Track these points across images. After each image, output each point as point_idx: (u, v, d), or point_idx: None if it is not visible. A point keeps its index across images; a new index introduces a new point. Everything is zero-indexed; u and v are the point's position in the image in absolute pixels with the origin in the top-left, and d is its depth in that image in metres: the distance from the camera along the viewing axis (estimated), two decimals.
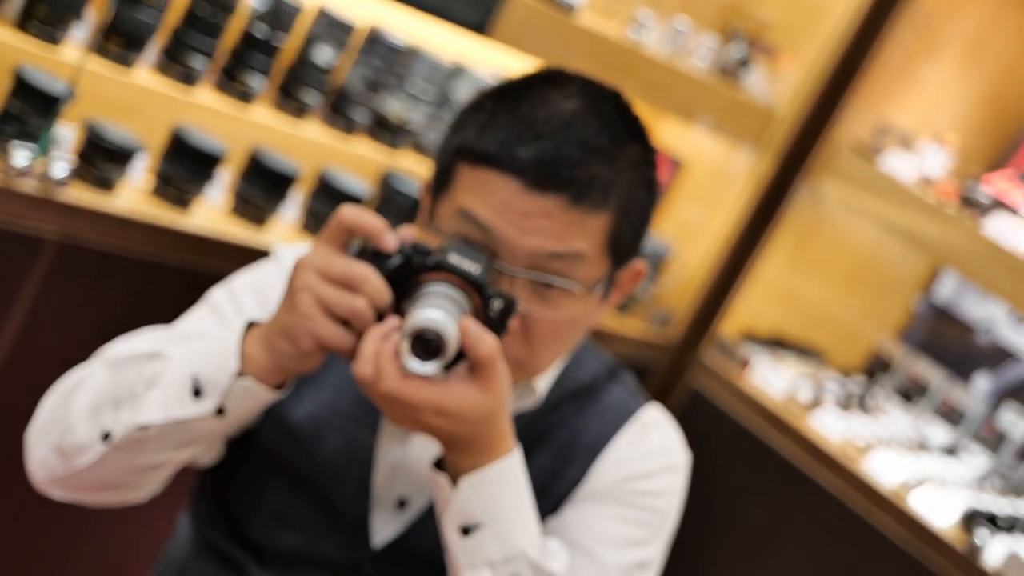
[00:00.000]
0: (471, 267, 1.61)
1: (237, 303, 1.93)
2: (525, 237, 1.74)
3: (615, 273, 1.85)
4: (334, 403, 1.92)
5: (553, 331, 1.80)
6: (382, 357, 1.57)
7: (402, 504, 1.93)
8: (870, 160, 3.90)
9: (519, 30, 3.15)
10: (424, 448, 1.90)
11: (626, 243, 1.82)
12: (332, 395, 1.92)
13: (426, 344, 1.56)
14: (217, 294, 1.96)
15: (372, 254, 1.61)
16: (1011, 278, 3.60)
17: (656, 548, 1.93)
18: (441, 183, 1.82)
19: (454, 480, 1.68)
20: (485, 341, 1.57)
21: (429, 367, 1.56)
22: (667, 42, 3.58)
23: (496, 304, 1.62)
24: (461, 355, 1.60)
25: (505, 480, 1.68)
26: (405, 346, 1.55)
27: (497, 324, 1.62)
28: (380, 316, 1.60)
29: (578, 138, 1.74)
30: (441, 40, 3.34)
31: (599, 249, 1.78)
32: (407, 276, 1.61)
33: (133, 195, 2.83)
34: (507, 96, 1.81)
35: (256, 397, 1.69)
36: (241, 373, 1.67)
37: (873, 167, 3.88)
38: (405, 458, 1.92)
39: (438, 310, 1.55)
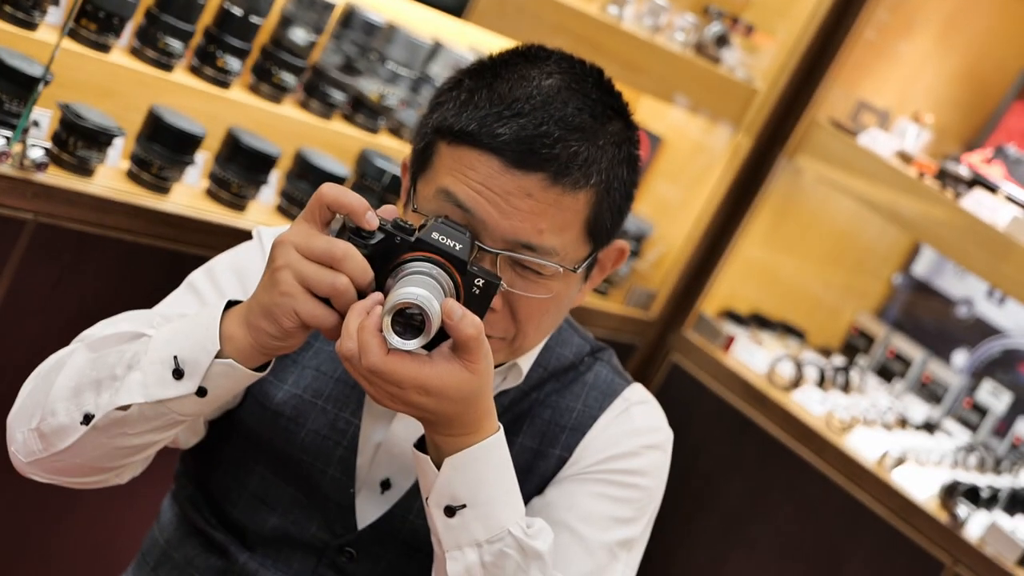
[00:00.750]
0: (453, 245, 1.61)
1: (217, 284, 1.93)
2: (505, 219, 1.73)
3: (597, 252, 1.85)
4: (316, 385, 1.92)
5: (537, 308, 1.80)
6: (365, 332, 1.56)
7: (386, 486, 1.93)
8: (850, 136, 3.90)
9: (497, 10, 3.13)
10: (408, 429, 1.90)
11: (607, 222, 1.81)
12: (314, 377, 1.92)
13: (409, 320, 1.55)
14: (197, 276, 1.96)
15: (353, 232, 1.60)
16: (987, 254, 3.61)
17: (641, 526, 1.94)
18: (421, 162, 1.82)
19: (437, 461, 1.68)
20: (468, 320, 1.57)
21: (412, 343, 1.55)
22: (646, 20, 3.57)
23: (479, 283, 1.62)
24: (444, 334, 1.59)
25: (489, 460, 1.68)
26: (387, 322, 1.54)
27: (479, 303, 1.62)
28: (362, 295, 1.60)
29: (558, 115, 1.74)
30: (419, 16, 3.32)
31: (578, 231, 1.78)
32: (389, 254, 1.60)
33: (112, 178, 2.81)
34: (486, 73, 1.80)
35: (237, 378, 1.68)
36: (222, 354, 1.66)
37: (852, 143, 3.88)
38: (388, 439, 1.92)
39: (420, 287, 1.55)
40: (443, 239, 1.61)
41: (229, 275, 1.94)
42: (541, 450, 1.92)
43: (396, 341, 1.55)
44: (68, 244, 2.68)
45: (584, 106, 1.76)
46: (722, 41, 3.76)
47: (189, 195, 2.94)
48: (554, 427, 1.93)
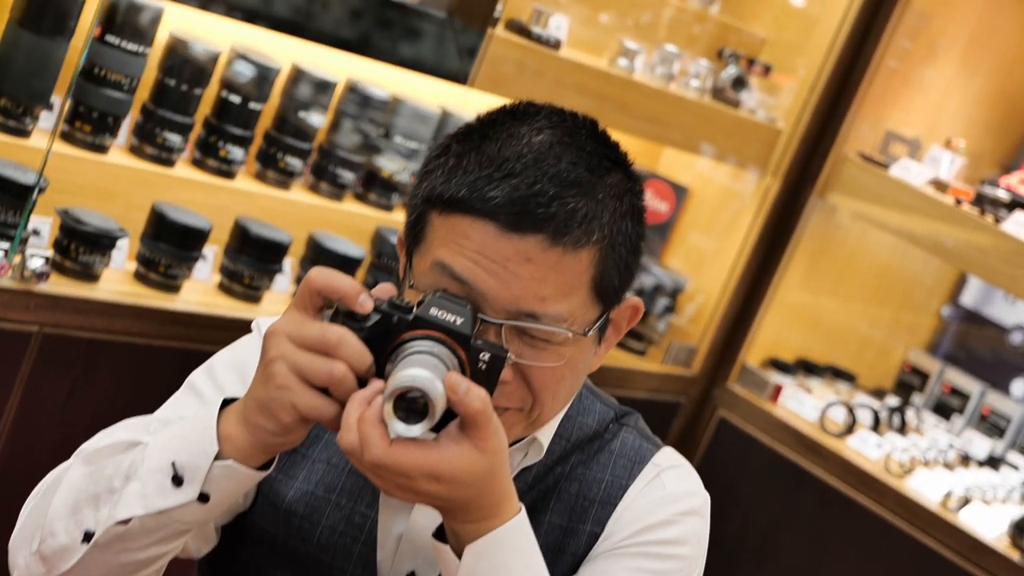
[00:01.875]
0: (454, 319, 1.51)
1: (217, 382, 1.84)
2: (505, 289, 1.63)
3: (608, 312, 1.74)
4: (328, 479, 1.83)
5: (551, 377, 1.70)
6: (366, 423, 1.46)
7: None
8: (881, 168, 3.79)
9: (503, 73, 3.05)
10: (429, 517, 1.79)
11: (615, 279, 1.71)
12: (325, 470, 1.83)
13: (411, 405, 1.45)
14: (197, 375, 1.87)
15: (348, 316, 1.51)
16: None
17: None
18: (413, 236, 1.72)
19: (458, 550, 1.57)
20: (474, 395, 1.46)
21: (416, 429, 1.45)
22: (658, 69, 3.48)
23: (484, 357, 1.52)
24: (451, 414, 1.49)
25: (513, 544, 1.57)
26: (388, 409, 1.44)
27: (487, 378, 1.51)
28: (362, 381, 1.50)
29: (552, 172, 1.64)
30: (423, 87, 3.24)
31: (585, 292, 1.68)
32: (387, 335, 1.51)
33: (118, 280, 2.74)
34: (473, 136, 1.71)
35: (240, 479, 1.59)
36: (221, 455, 1.57)
37: (884, 176, 3.77)
38: (410, 530, 1.82)
39: (421, 368, 1.45)
40: (443, 314, 1.51)
41: (229, 372, 1.86)
42: (571, 527, 1.81)
43: (399, 428, 1.45)
44: (77, 353, 2.60)
45: (579, 160, 1.66)
46: (740, 83, 3.67)
47: (201, 291, 2.87)
48: (583, 501, 1.82)
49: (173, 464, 1.58)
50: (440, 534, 1.60)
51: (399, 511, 1.83)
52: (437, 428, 1.48)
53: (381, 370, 1.50)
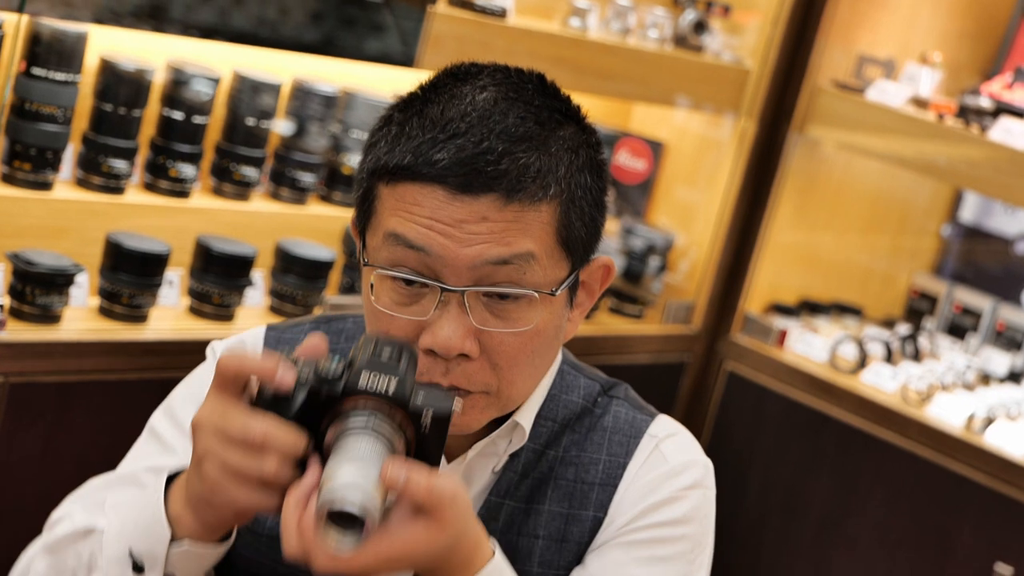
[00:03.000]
0: (386, 385, 1.39)
1: (177, 422, 1.76)
2: (463, 249, 1.53)
3: (577, 272, 1.64)
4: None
5: (519, 348, 1.59)
6: (305, 533, 1.37)
7: None
8: (858, 94, 3.68)
9: (449, 50, 2.94)
10: None
11: (581, 233, 1.61)
12: None
13: (345, 515, 1.35)
14: (157, 417, 1.80)
15: (272, 398, 1.41)
16: None
17: (698, 574, 1.74)
18: (364, 213, 1.62)
19: None
20: (415, 480, 1.37)
21: (350, 540, 1.35)
22: (613, 24, 3.37)
23: (426, 418, 1.41)
24: None
25: None
26: (323, 524, 1.34)
27: (434, 439, 1.40)
28: (302, 460, 1.40)
29: (499, 128, 1.53)
30: (371, 76, 3.14)
31: (550, 246, 1.57)
32: (319, 409, 1.40)
33: (82, 318, 2.64)
34: (415, 102, 1.60)
35: (201, 557, 1.51)
36: (176, 537, 1.49)
37: (862, 101, 3.66)
38: None
39: (352, 468, 1.33)
40: (374, 380, 1.39)
41: (187, 407, 1.77)
42: (572, 514, 1.72)
43: (333, 542, 1.35)
44: (48, 399, 2.51)
45: (527, 114, 1.56)
46: (700, 28, 3.55)
47: (170, 317, 2.77)
48: (581, 486, 1.72)
49: (130, 552, 1.52)
50: None
51: None
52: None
53: (320, 441, 1.41)
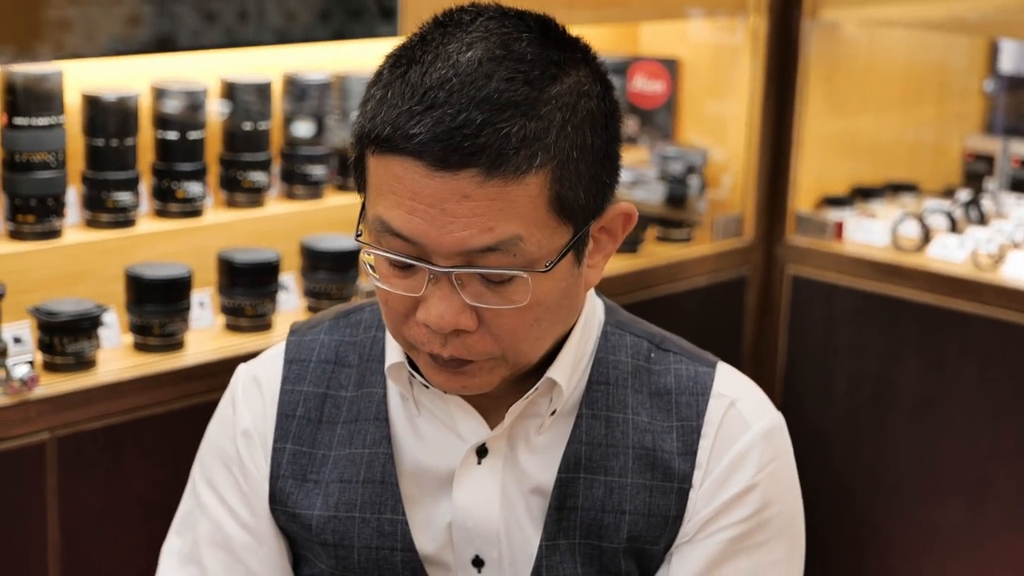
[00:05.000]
0: None
1: (206, 477, 1.77)
2: (445, 236, 1.45)
3: (585, 231, 1.54)
4: (346, 497, 1.69)
5: (518, 320, 1.51)
6: None
7: (478, 563, 1.69)
8: None
9: (432, 8, 2.84)
10: (473, 497, 1.67)
11: (576, 199, 1.50)
12: (340, 489, 1.70)
13: None
14: (195, 474, 1.80)
15: None
16: None
17: (796, 547, 1.71)
18: (359, 178, 1.56)
19: None
20: None
21: None
22: None
23: None
24: None
25: None
26: None
27: None
28: None
29: (481, 96, 1.43)
30: (357, 54, 3.06)
31: (541, 219, 1.47)
32: None
33: (118, 358, 2.60)
34: (403, 59, 1.51)
35: None
36: None
37: None
38: (456, 515, 1.68)
39: None
40: None
41: (216, 466, 1.76)
42: (655, 485, 1.66)
43: None
44: (98, 445, 2.46)
45: (515, 74, 1.45)
46: None
47: (208, 338, 2.72)
48: (662, 455, 1.66)
49: None
50: None
51: (438, 501, 1.69)
52: None
53: None
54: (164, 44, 2.60)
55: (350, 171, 2.94)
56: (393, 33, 2.81)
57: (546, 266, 1.48)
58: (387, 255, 1.49)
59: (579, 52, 1.53)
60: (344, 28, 2.80)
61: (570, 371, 1.64)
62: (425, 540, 1.68)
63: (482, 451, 1.65)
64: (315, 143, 2.97)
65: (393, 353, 1.65)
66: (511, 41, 1.48)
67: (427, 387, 1.63)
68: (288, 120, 2.96)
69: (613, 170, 1.56)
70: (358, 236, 1.55)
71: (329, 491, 1.68)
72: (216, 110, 2.86)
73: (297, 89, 2.95)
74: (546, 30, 1.52)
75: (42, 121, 2.55)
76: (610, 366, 1.68)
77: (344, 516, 1.67)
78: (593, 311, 1.69)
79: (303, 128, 2.96)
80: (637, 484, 1.64)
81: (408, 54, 1.51)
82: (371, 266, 1.53)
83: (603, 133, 1.52)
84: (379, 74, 1.53)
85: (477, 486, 1.65)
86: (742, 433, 1.66)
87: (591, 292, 1.69)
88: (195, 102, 2.77)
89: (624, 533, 1.63)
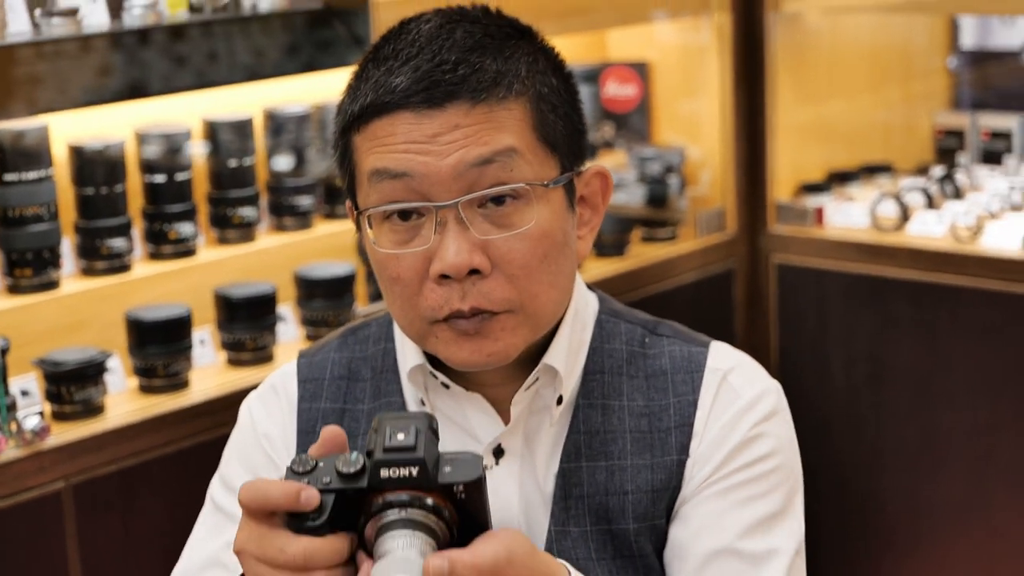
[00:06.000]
0: (408, 472, 1.33)
1: (231, 488, 1.75)
2: (443, 160, 1.52)
3: (570, 175, 1.61)
4: None
5: (529, 253, 1.56)
6: None
7: None
8: None
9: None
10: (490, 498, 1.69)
11: (559, 129, 1.59)
12: None
13: None
14: (214, 487, 1.79)
15: (301, 520, 1.37)
16: None
17: (793, 504, 1.71)
18: (347, 172, 1.61)
19: None
20: (461, 569, 1.32)
21: None
22: None
23: (459, 488, 1.35)
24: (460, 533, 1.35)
25: None
26: None
27: (475, 504, 1.34)
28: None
29: (449, 43, 1.54)
30: (333, 82, 3.10)
31: (530, 141, 1.56)
32: (351, 506, 1.36)
33: (125, 401, 2.63)
34: (366, 58, 1.61)
35: None
36: None
37: None
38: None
39: (395, 571, 1.29)
40: (395, 472, 1.33)
41: (238, 470, 1.77)
42: (655, 462, 1.68)
43: None
44: (113, 490, 2.50)
45: (474, 30, 1.57)
46: None
47: (211, 375, 2.76)
48: (659, 434, 1.69)
49: None
50: None
51: None
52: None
53: (362, 536, 1.37)
54: (136, 91, 2.63)
55: (336, 200, 2.98)
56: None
57: (545, 184, 1.54)
58: (393, 207, 1.53)
59: (523, 27, 1.64)
60: (321, 60, 2.84)
61: (565, 356, 1.68)
62: None
63: (498, 452, 1.68)
64: (299, 174, 3.01)
65: (408, 358, 1.68)
66: (462, 14, 1.61)
67: (447, 387, 1.66)
68: (271, 154, 3.00)
69: (582, 120, 1.65)
70: (356, 212, 1.59)
71: None
72: (200, 151, 2.90)
73: (277, 123, 2.99)
74: (488, 10, 1.64)
75: (32, 175, 2.59)
76: (605, 354, 1.72)
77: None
78: (586, 303, 1.74)
79: (286, 160, 3.00)
80: (637, 464, 1.68)
81: (372, 51, 1.61)
82: (374, 240, 1.57)
83: (566, 83, 1.63)
84: (348, 84, 1.61)
85: (496, 488, 1.68)
86: (737, 398, 1.70)
87: (583, 285, 1.73)
88: (179, 144, 2.81)
89: (630, 513, 1.66)
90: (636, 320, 1.77)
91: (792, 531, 1.67)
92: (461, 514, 1.34)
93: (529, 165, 1.55)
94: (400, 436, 1.34)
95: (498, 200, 1.53)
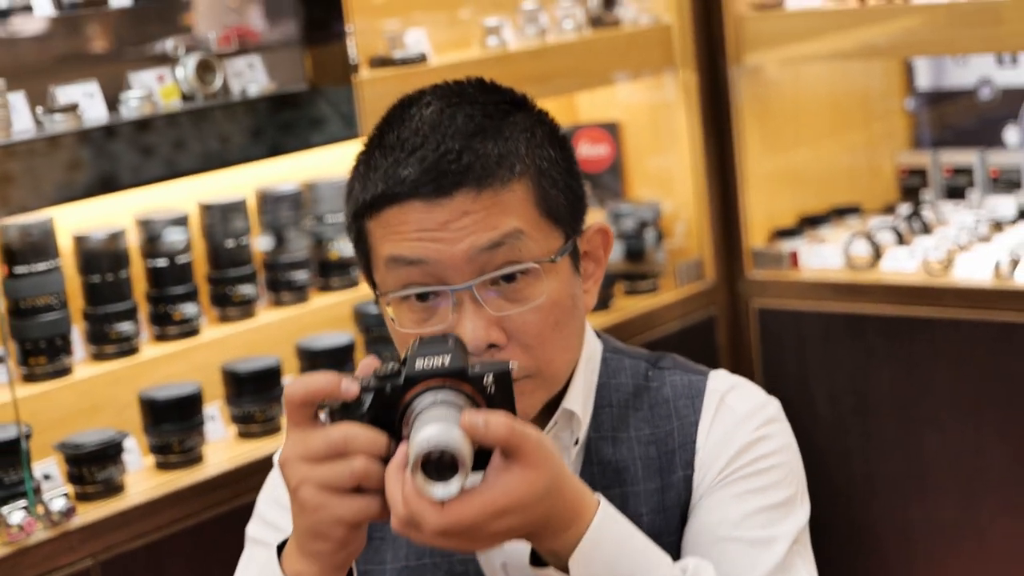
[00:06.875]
0: (441, 361, 1.46)
1: (268, 523, 1.83)
2: (455, 247, 1.62)
3: (573, 240, 1.72)
4: (413, 548, 1.81)
5: (542, 323, 1.67)
6: (410, 500, 1.43)
7: None
8: (778, 9, 3.75)
9: (387, 107, 3.01)
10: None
11: (561, 201, 1.69)
12: (408, 542, 1.81)
13: (439, 463, 1.40)
14: (252, 528, 1.88)
15: (343, 409, 1.47)
16: (971, 28, 3.44)
17: (796, 500, 1.80)
18: (363, 254, 1.71)
19: (561, 566, 1.53)
20: (495, 423, 1.42)
21: (454, 485, 1.40)
22: (528, 30, 3.45)
23: (488, 380, 1.47)
24: (486, 450, 1.45)
25: (611, 536, 1.53)
26: (420, 480, 1.40)
27: (501, 398, 1.47)
28: (387, 461, 1.47)
29: (452, 130, 1.63)
30: (325, 160, 3.21)
31: (535, 219, 1.66)
32: (388, 407, 1.47)
33: (144, 479, 2.71)
34: (372, 143, 1.71)
35: None
36: None
37: (784, 14, 3.73)
38: (510, 556, 1.79)
39: (433, 424, 1.40)
40: (429, 362, 1.47)
41: (274, 510, 1.85)
42: (665, 484, 1.78)
43: (438, 492, 1.40)
44: (139, 564, 2.58)
45: (474, 112, 1.66)
46: (610, 3, 3.63)
47: (224, 448, 2.84)
48: (664, 456, 1.79)
49: None
50: (536, 559, 1.56)
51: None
52: (481, 463, 1.44)
53: (399, 438, 1.47)
54: (136, 180, 2.72)
55: (330, 272, 3.07)
56: (355, 135, 2.95)
57: (552, 258, 1.65)
58: (411, 292, 1.63)
59: (518, 97, 1.74)
60: (310, 139, 2.95)
61: (583, 400, 1.79)
62: None
63: None
64: (293, 250, 3.11)
65: None
66: (460, 94, 1.70)
67: None
68: (266, 232, 3.10)
69: (580, 184, 1.75)
70: (377, 293, 1.70)
71: (397, 544, 1.80)
72: (199, 233, 3.00)
73: (271, 201, 3.09)
74: (484, 84, 1.74)
75: (41, 267, 2.68)
76: (612, 389, 1.83)
77: (415, 565, 1.78)
78: (593, 347, 1.85)
79: (281, 237, 3.10)
80: (649, 489, 1.77)
81: (377, 133, 1.71)
82: (393, 319, 1.66)
83: (563, 151, 1.73)
84: (355, 165, 1.71)
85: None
86: (736, 412, 1.80)
87: (591, 330, 1.84)
88: (179, 228, 2.91)
89: (645, 531, 1.76)
90: (639, 355, 1.88)
91: (795, 521, 1.76)
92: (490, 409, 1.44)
93: (535, 242, 1.65)
94: (433, 341, 1.49)
95: (509, 277, 1.63)
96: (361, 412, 1.46)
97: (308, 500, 1.47)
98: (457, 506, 1.41)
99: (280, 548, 1.59)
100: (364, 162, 1.69)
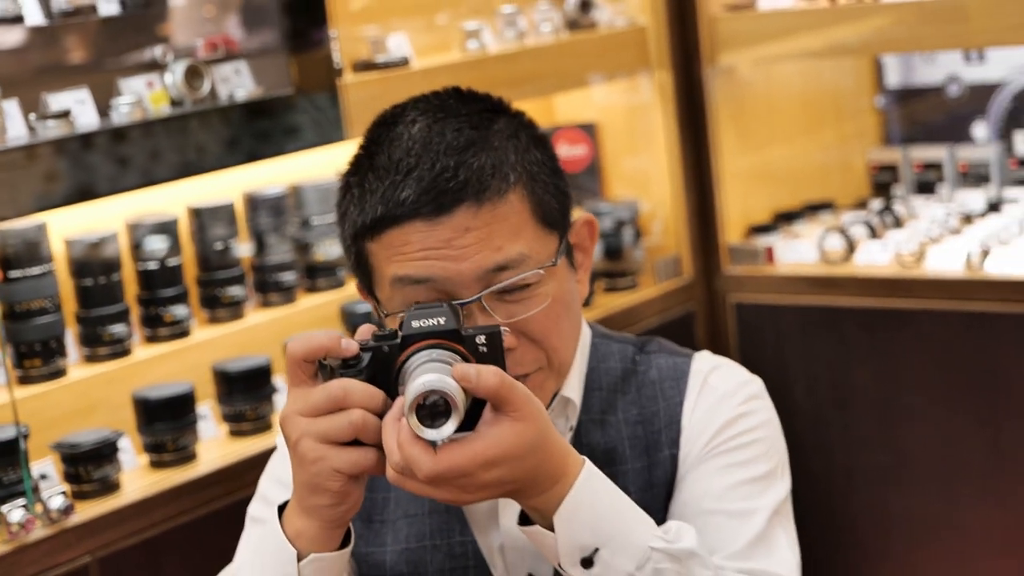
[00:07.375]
0: (436, 322, 1.55)
1: (269, 502, 1.90)
2: (462, 264, 1.70)
3: (565, 237, 1.80)
4: (414, 530, 1.88)
5: (547, 320, 1.76)
6: (405, 445, 1.50)
7: None
8: (751, 9, 3.82)
9: (372, 110, 3.05)
10: (515, 516, 1.84)
11: (553, 204, 1.78)
12: (408, 523, 1.88)
13: (434, 410, 1.49)
14: (254, 508, 1.96)
15: (342, 366, 1.56)
16: (937, 24, 3.51)
17: (778, 473, 1.87)
18: (364, 274, 1.79)
19: (547, 524, 1.60)
20: (487, 374, 1.50)
21: (448, 427, 1.49)
22: (507, 33, 3.51)
23: (480, 340, 1.56)
24: (478, 404, 1.53)
25: (594, 494, 1.61)
26: (415, 422, 1.49)
27: (494, 356, 1.55)
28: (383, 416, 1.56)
29: (443, 147, 1.71)
30: (311, 164, 3.27)
31: (533, 230, 1.74)
32: (385, 366, 1.55)
33: (139, 477, 2.76)
34: (362, 162, 1.79)
35: (331, 566, 1.64)
36: (301, 555, 1.62)
37: (756, 14, 3.80)
38: (505, 537, 1.86)
39: (428, 373, 1.48)
40: (425, 323, 1.55)
41: (275, 488, 1.93)
42: (651, 462, 1.86)
43: (431, 434, 1.49)
44: (138, 560, 2.62)
45: (460, 125, 1.75)
46: (586, 7, 3.69)
47: (216, 446, 2.89)
48: (651, 435, 1.87)
49: None
50: (524, 519, 1.63)
51: (488, 526, 1.87)
52: (471, 424, 1.51)
53: (395, 396, 1.54)
54: (130, 183, 2.76)
55: (316, 274, 3.12)
56: (341, 138, 3.01)
57: (552, 262, 1.73)
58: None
59: (495, 102, 1.84)
60: (296, 143, 2.99)
61: (577, 385, 1.86)
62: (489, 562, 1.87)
63: None
64: (281, 252, 3.16)
65: None
66: (442, 107, 1.79)
67: None
68: (253, 234, 3.15)
69: (565, 181, 1.84)
70: (382, 313, 1.76)
71: (397, 527, 1.87)
72: (188, 237, 3.05)
73: (257, 204, 3.14)
74: (461, 94, 1.84)
75: (35, 271, 2.73)
76: (602, 373, 1.90)
77: (416, 546, 1.85)
78: (585, 334, 1.92)
79: (268, 239, 3.15)
80: (636, 468, 1.85)
81: (364, 154, 1.78)
82: None
83: (547, 151, 1.82)
84: (345, 185, 1.79)
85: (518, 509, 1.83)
86: (719, 390, 1.88)
87: (582, 319, 1.92)
88: (168, 231, 2.96)
89: None
90: (626, 340, 1.95)
91: (775, 493, 1.83)
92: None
93: (537, 255, 1.73)
94: (428, 305, 1.58)
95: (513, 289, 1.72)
96: (359, 370, 1.53)
97: (308, 452, 1.54)
98: (449, 453, 1.49)
99: (281, 512, 1.66)
100: (358, 184, 1.74)
